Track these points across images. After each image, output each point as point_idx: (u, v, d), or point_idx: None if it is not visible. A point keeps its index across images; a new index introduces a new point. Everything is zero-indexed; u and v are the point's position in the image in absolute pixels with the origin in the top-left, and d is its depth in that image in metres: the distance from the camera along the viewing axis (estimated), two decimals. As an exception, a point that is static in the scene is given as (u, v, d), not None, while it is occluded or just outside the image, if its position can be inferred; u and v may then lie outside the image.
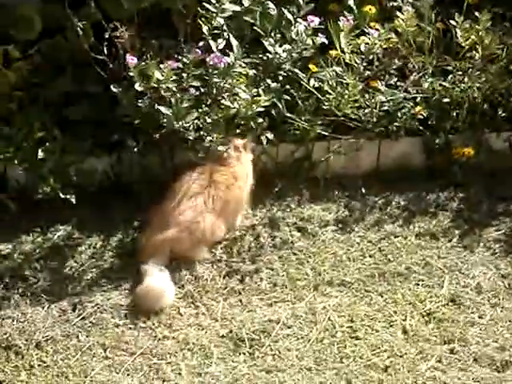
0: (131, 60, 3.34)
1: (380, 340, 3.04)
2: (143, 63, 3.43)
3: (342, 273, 3.36)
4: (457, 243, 3.58)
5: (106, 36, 3.54)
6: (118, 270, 3.32)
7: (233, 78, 3.46)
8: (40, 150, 3.56)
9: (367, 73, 4.04)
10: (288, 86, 3.92)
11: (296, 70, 3.83)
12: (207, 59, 3.44)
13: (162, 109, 3.37)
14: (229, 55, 3.53)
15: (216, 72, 3.46)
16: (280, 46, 3.82)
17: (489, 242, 3.58)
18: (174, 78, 3.51)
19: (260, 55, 3.85)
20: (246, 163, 3.55)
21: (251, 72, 3.70)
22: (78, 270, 3.32)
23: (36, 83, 3.76)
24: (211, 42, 3.61)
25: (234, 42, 3.50)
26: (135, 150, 3.64)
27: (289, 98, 3.84)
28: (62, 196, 3.48)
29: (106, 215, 3.58)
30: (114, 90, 3.45)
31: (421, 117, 3.96)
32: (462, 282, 3.34)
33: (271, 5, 3.94)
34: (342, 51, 3.81)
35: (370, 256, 3.47)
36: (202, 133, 3.54)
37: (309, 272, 3.35)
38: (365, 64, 3.97)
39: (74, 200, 3.48)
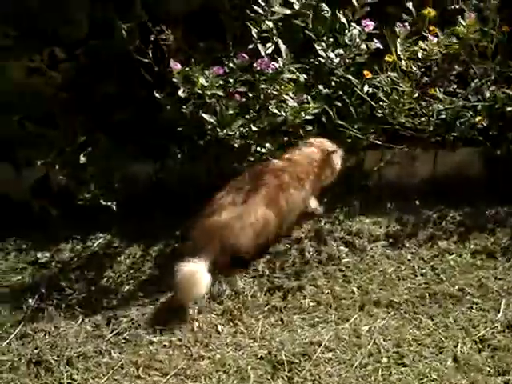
0: (175, 65, 3.21)
1: (428, 368, 2.86)
2: (188, 68, 3.27)
3: (391, 292, 3.18)
4: (515, 264, 3.35)
5: (152, 39, 3.38)
6: (156, 282, 3.18)
7: (280, 84, 3.28)
8: (82, 155, 3.43)
9: (425, 79, 3.81)
10: (340, 93, 3.72)
11: (349, 76, 3.63)
12: (254, 64, 3.27)
13: (206, 116, 3.23)
14: (277, 60, 3.35)
15: (263, 78, 3.27)
16: (333, 50, 3.61)
17: (553, 263, 3.34)
18: (221, 83, 3.34)
19: (311, 60, 3.66)
20: (309, 162, 3.40)
21: (302, 77, 3.52)
22: (115, 281, 3.21)
23: (81, 85, 3.63)
24: (259, 46, 3.44)
25: (283, 47, 3.34)
26: (179, 156, 3.46)
27: (340, 104, 3.65)
28: (103, 203, 3.35)
29: (148, 224, 3.45)
30: (157, 95, 3.30)
31: (481, 126, 3.71)
32: (519, 307, 3.11)
33: (325, 7, 3.75)
34: (399, 57, 3.59)
35: (422, 275, 3.28)
36: (248, 141, 3.35)
37: (355, 290, 3.18)
38: (422, 70, 3.74)
39: (115, 207, 3.35)
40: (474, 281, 3.25)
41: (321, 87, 3.67)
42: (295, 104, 3.26)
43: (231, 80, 3.39)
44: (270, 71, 3.30)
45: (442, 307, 3.12)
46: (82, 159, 3.43)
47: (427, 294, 3.17)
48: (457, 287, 3.21)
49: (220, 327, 3.00)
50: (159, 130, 3.54)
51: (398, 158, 3.79)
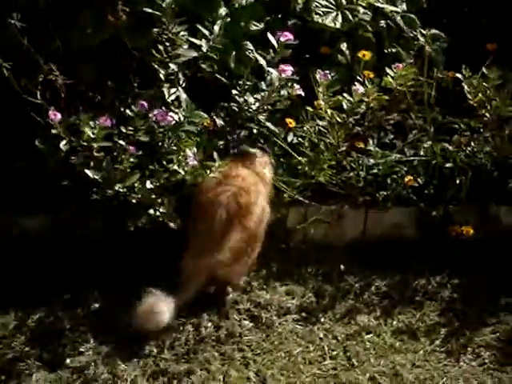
0: (54, 115, 2.81)
1: None
2: (74, 117, 2.88)
3: (292, 379, 2.78)
4: (440, 346, 2.98)
5: (40, 79, 3.00)
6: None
7: (180, 138, 2.88)
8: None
9: (357, 129, 3.43)
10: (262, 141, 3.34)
11: (268, 124, 3.24)
12: (150, 115, 2.88)
13: (89, 173, 2.83)
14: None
15: (160, 130, 2.88)
16: (252, 94, 3.23)
17: (479, 348, 2.98)
18: (126, 130, 2.97)
19: (230, 105, 3.28)
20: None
21: (217, 122, 3.14)
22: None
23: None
24: (165, 91, 3.06)
25: (183, 96, 2.94)
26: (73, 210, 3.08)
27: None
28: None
29: (29, 287, 3.05)
30: (39, 145, 2.91)
31: (415, 184, 3.33)
32: (435, 405, 2.72)
33: (250, 46, 3.37)
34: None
35: (331, 358, 2.90)
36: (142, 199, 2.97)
37: (251, 377, 2.81)
38: (357, 117, 3.36)
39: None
40: (388, 368, 2.87)
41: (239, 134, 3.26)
42: (195, 163, 2.86)
43: (128, 130, 2.96)
44: (167, 123, 2.87)
45: (346, 401, 2.71)
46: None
47: (332, 383, 2.76)
48: (368, 375, 2.83)
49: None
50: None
51: (324, 217, 3.39)
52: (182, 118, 2.90)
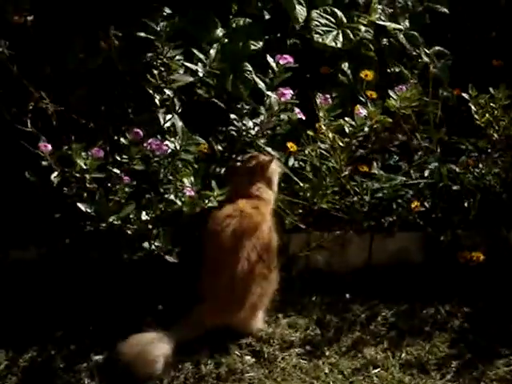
0: (44, 147, 2.68)
1: None
2: (66, 148, 2.76)
3: (297, 420, 2.64)
4: (451, 381, 2.87)
5: (30, 107, 2.88)
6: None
7: (175, 167, 2.76)
8: None
9: (360, 151, 3.30)
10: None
11: (268, 149, 3.12)
12: (144, 144, 2.75)
13: (82, 206, 2.70)
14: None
15: (155, 160, 2.76)
16: (251, 118, 3.11)
17: (493, 383, 2.81)
18: (121, 159, 2.85)
19: (229, 129, 3.16)
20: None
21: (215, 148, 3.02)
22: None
23: None
24: (160, 117, 2.93)
25: (179, 124, 2.81)
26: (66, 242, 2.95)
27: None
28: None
29: (21, 323, 2.92)
30: (29, 176, 2.78)
31: (422, 209, 3.20)
32: None
33: (249, 67, 3.25)
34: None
35: (338, 395, 2.74)
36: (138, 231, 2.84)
37: (256, 417, 2.65)
38: (360, 139, 3.24)
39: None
40: (398, 405, 2.71)
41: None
42: (192, 193, 2.73)
43: (122, 158, 2.83)
44: (161, 153, 2.74)
45: None
46: None
47: (337, 426, 2.63)
48: (377, 413, 2.67)
49: None
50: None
51: (328, 243, 3.25)
52: (177, 147, 2.75)
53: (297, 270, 3.22)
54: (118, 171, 2.88)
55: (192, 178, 2.80)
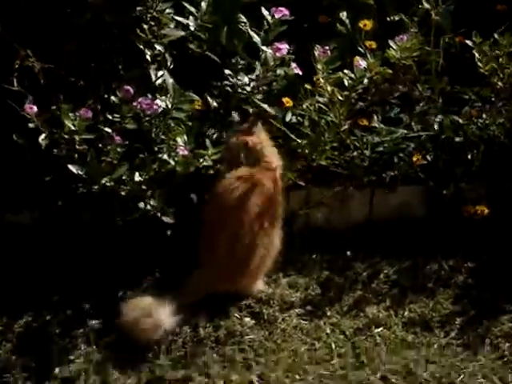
0: (29, 108, 2.59)
1: None
2: (54, 108, 2.66)
3: (298, 382, 2.59)
4: (455, 338, 2.79)
5: (16, 65, 2.77)
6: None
7: (167, 126, 2.66)
8: None
9: (360, 104, 3.19)
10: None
11: (264, 105, 3.01)
12: (134, 103, 2.65)
13: (73, 168, 2.62)
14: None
15: (147, 119, 2.66)
16: (246, 74, 3.00)
17: (497, 339, 2.77)
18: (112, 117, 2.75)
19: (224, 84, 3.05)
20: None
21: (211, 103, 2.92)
22: None
23: None
24: (151, 73, 2.83)
25: (169, 81, 2.70)
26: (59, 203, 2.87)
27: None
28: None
29: (17, 289, 2.86)
30: (17, 139, 2.69)
31: (424, 162, 3.10)
32: (452, 405, 2.53)
33: (243, 18, 3.12)
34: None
35: (339, 356, 2.71)
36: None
37: (254, 380, 2.60)
38: (359, 91, 3.13)
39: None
40: (400, 365, 2.67)
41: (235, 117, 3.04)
42: (185, 153, 2.64)
43: (114, 117, 2.73)
44: (152, 112, 2.64)
45: (357, 403, 2.52)
46: None
47: (341, 385, 2.57)
48: (379, 374, 2.64)
49: None
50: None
51: (328, 200, 3.17)
52: (169, 105, 2.65)
53: (297, 227, 3.14)
54: (109, 130, 2.78)
55: (185, 137, 2.70)
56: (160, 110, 2.70)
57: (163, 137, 2.71)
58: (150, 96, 2.72)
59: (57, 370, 2.63)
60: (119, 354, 2.67)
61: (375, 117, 3.25)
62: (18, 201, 2.99)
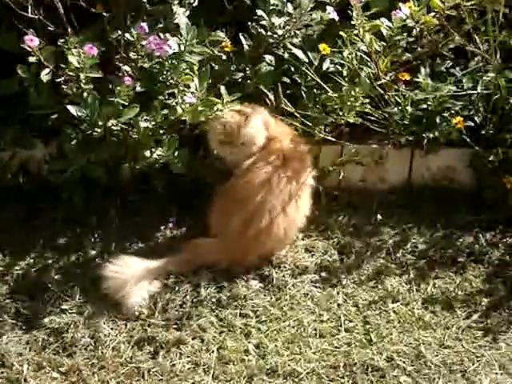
0: (30, 41, 2.43)
1: None
2: (63, 41, 2.50)
3: (297, 356, 2.40)
4: (477, 322, 2.55)
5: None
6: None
7: (178, 71, 2.46)
8: None
9: (407, 55, 2.92)
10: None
11: (296, 50, 2.78)
12: (143, 43, 2.46)
13: (72, 109, 2.46)
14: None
15: (156, 61, 2.47)
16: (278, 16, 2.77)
17: (523, 328, 2.49)
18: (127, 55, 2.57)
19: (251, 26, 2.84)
20: None
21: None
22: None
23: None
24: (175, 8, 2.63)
25: (183, 21, 2.50)
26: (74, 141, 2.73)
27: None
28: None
29: (21, 227, 2.77)
30: (20, 73, 2.54)
31: (471, 124, 2.82)
32: (459, 396, 2.30)
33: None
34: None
35: (347, 330, 2.50)
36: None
37: (251, 349, 2.44)
38: (402, 42, 2.85)
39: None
40: (411, 347, 2.45)
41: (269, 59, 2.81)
42: (193, 100, 2.44)
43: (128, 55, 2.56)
44: (161, 54, 2.45)
45: (356, 384, 2.33)
46: None
47: (342, 364, 2.38)
48: (385, 355, 2.42)
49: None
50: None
51: (363, 158, 2.94)
52: (182, 47, 2.44)
53: (325, 185, 2.91)
54: (127, 68, 2.59)
55: (197, 83, 2.48)
56: (171, 52, 2.47)
57: (172, 81, 2.50)
58: (162, 36, 2.50)
59: (46, 320, 2.49)
60: (113, 308, 2.52)
61: (422, 70, 2.95)
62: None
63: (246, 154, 2.57)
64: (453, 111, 2.93)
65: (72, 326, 2.49)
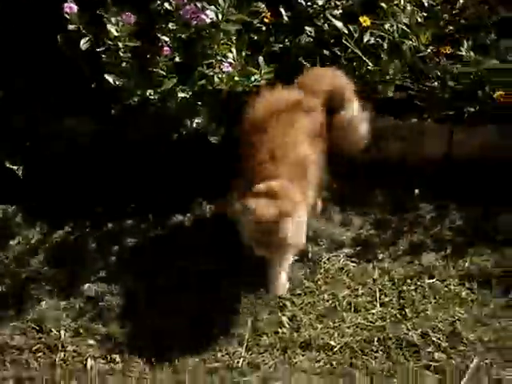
0: (68, 8, 2.42)
1: None
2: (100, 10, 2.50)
3: (331, 331, 2.40)
4: (515, 299, 2.49)
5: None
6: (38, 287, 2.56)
7: (216, 40, 2.45)
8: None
9: (450, 28, 2.87)
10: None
11: (336, 22, 2.75)
12: (180, 12, 2.45)
13: (110, 78, 2.46)
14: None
15: (193, 31, 2.46)
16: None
17: (562, 308, 2.45)
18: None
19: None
20: None
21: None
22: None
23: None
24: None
25: (221, -12, 2.48)
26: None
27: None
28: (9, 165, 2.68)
29: (60, 198, 2.78)
30: (60, 42, 2.55)
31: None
32: (495, 373, 2.27)
33: None
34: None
35: (382, 305, 2.49)
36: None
37: (285, 322, 2.43)
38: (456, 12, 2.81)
39: (21, 172, 2.67)
40: (446, 323, 2.43)
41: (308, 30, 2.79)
42: (229, 70, 2.42)
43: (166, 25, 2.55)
44: (198, 23, 2.44)
45: (389, 359, 2.31)
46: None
47: (376, 338, 2.37)
48: (419, 331, 2.41)
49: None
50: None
51: (403, 131, 2.90)
52: (220, 16, 2.43)
53: (364, 159, 2.87)
54: (166, 38, 2.58)
55: (234, 53, 2.47)
56: (208, 21, 2.46)
57: (209, 51, 2.49)
58: (199, 5, 2.48)
59: (83, 288, 2.51)
60: (152, 279, 2.53)
61: (465, 43, 2.89)
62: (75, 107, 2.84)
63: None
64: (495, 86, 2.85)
65: (107, 295, 2.48)
